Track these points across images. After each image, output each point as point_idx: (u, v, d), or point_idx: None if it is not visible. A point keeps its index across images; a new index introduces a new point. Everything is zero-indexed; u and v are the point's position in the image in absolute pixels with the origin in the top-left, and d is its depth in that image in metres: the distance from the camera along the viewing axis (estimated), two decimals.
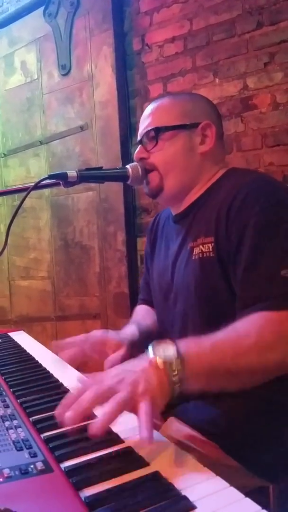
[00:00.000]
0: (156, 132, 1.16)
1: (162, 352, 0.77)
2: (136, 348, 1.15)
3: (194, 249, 1.08)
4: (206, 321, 1.06)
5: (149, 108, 1.22)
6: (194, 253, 1.08)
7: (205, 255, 1.05)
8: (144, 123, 1.20)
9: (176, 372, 0.76)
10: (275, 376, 0.87)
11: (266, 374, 0.87)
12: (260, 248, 0.94)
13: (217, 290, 1.03)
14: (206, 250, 1.05)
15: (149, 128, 1.17)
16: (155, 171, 1.17)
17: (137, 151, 1.20)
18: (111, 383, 0.72)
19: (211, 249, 1.04)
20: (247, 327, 0.86)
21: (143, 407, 0.69)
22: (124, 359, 1.07)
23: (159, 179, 1.17)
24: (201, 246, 1.06)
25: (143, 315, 1.36)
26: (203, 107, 1.21)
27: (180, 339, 0.82)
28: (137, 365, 0.77)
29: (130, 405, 0.70)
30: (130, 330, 1.23)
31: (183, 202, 1.19)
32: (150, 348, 0.80)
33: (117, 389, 0.71)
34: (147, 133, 1.18)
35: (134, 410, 0.70)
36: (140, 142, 1.21)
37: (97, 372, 0.82)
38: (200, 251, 1.06)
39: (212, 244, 1.04)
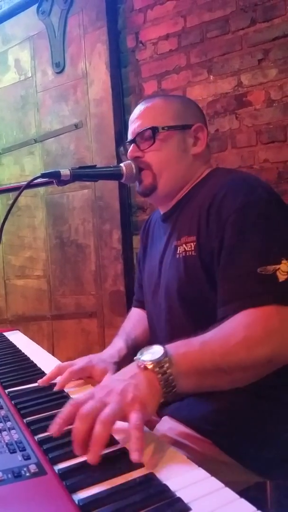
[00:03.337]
0: (153, 132, 1.15)
1: (150, 355, 0.79)
2: (126, 364, 1.14)
3: (178, 247, 1.09)
4: (191, 319, 1.07)
5: (141, 107, 1.21)
6: (178, 251, 1.09)
7: (187, 254, 1.06)
8: (136, 122, 1.20)
9: (165, 372, 0.77)
10: (267, 372, 0.88)
11: (257, 370, 0.87)
12: (237, 246, 0.95)
13: (199, 288, 1.03)
14: (188, 249, 1.06)
15: (145, 128, 1.16)
16: (148, 170, 1.17)
17: (130, 149, 1.20)
18: (101, 397, 0.72)
19: (193, 248, 1.05)
20: (235, 325, 0.87)
21: (133, 419, 0.68)
22: None
23: (152, 178, 1.17)
24: (184, 245, 1.07)
25: (133, 324, 1.36)
26: (193, 110, 1.23)
27: (169, 342, 0.82)
28: (126, 372, 0.78)
29: (121, 416, 0.69)
30: (117, 347, 1.22)
31: (172, 201, 1.20)
32: (138, 354, 0.81)
33: (106, 402, 0.70)
34: (142, 133, 1.17)
35: (125, 419, 0.69)
36: (133, 141, 1.19)
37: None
38: (183, 249, 1.07)
39: (194, 243, 1.05)
